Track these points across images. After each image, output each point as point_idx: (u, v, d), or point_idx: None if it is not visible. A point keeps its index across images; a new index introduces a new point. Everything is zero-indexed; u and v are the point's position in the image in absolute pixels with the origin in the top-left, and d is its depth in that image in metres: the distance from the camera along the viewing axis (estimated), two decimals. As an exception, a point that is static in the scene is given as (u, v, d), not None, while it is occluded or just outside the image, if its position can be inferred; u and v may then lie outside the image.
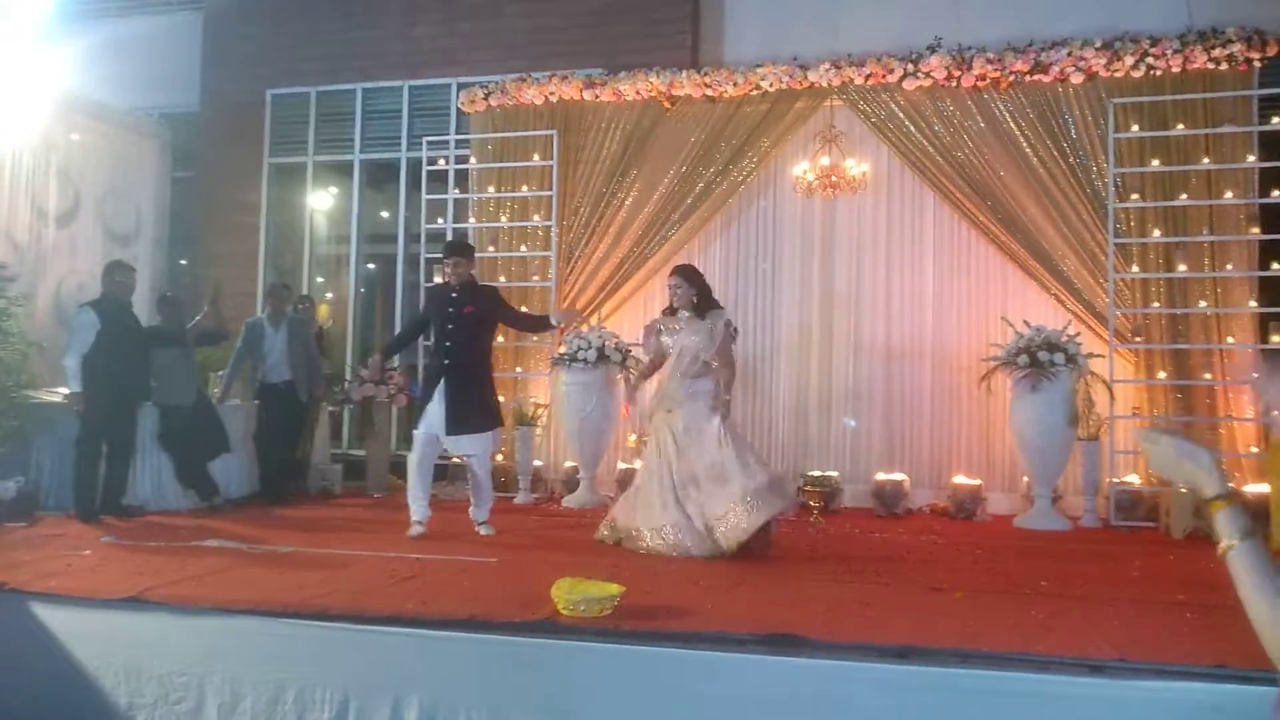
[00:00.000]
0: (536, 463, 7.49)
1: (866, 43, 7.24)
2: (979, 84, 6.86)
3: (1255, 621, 1.50)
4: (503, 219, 7.98)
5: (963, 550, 5.38)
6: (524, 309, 7.13)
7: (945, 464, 7.08)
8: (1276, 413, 1.70)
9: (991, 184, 6.93)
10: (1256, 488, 6.01)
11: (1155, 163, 6.58)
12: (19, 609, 3.84)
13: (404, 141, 8.88)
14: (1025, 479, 6.63)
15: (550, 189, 7.72)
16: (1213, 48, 6.42)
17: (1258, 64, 6.44)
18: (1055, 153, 6.79)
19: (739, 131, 7.42)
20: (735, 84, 7.33)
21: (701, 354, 5.23)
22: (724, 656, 3.22)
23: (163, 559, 4.68)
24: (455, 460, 6.56)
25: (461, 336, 5.56)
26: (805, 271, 7.52)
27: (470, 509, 5.73)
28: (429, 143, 8.24)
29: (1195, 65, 6.48)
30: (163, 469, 6.61)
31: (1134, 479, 6.54)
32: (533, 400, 7.60)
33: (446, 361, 5.55)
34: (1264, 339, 6.45)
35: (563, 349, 7.23)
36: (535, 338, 7.69)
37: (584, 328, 7.33)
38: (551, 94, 7.77)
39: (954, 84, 6.89)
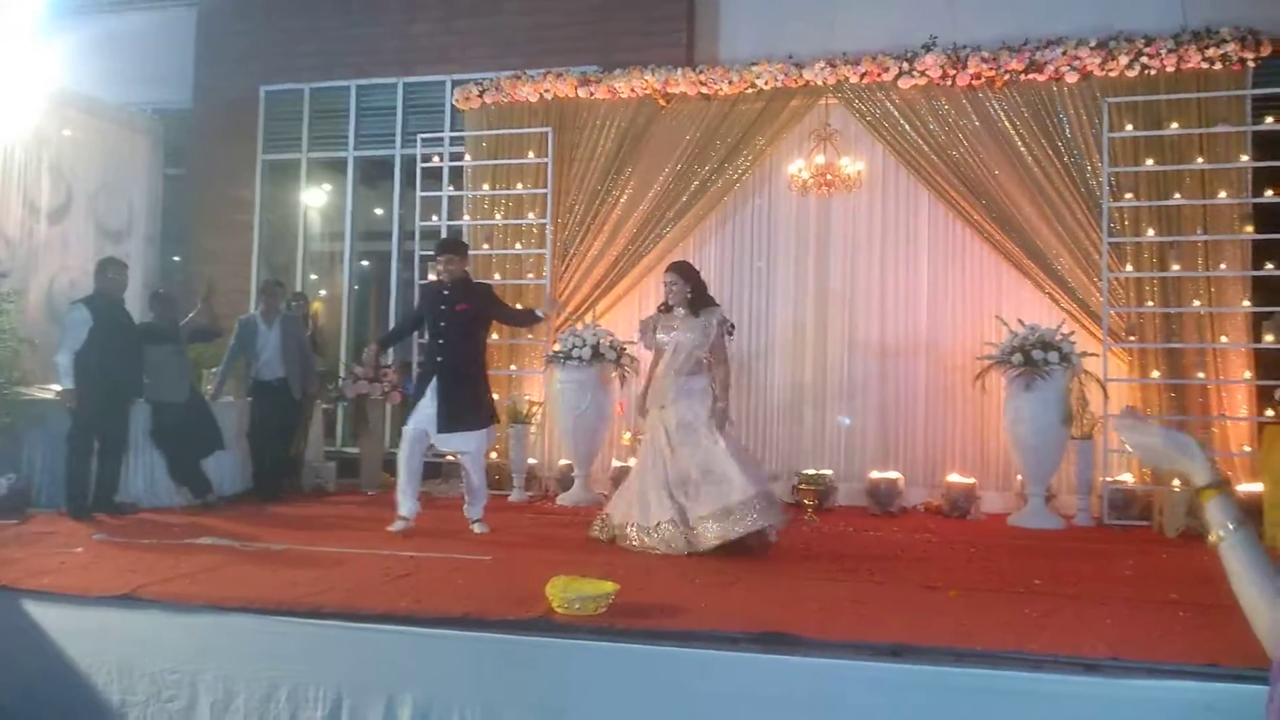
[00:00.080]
0: (531, 460, 7.49)
1: (862, 41, 7.24)
2: (974, 83, 6.87)
3: (1248, 611, 1.50)
4: (497, 216, 7.96)
5: (956, 549, 5.39)
6: (519, 306, 7.12)
7: (939, 462, 7.09)
8: None
9: (986, 183, 6.94)
10: (1250, 487, 6.03)
11: (1149, 162, 6.59)
12: (11, 606, 3.82)
13: (398, 138, 8.86)
14: (1019, 477, 6.64)
15: (545, 186, 7.71)
16: (1207, 47, 6.43)
17: (1252, 64, 6.45)
18: (1050, 152, 6.80)
19: (734, 129, 7.42)
20: (730, 82, 7.33)
21: (696, 351, 5.23)
22: (718, 655, 3.23)
23: (155, 556, 4.66)
24: (450, 458, 6.55)
25: (454, 334, 5.56)
26: (800, 270, 7.52)
27: (464, 507, 5.72)
28: (423, 140, 8.22)
29: (1189, 65, 6.49)
30: (155, 466, 6.59)
31: (1127, 478, 6.56)
32: (527, 398, 7.59)
33: (439, 359, 5.55)
34: (1257, 338, 6.48)
35: (557, 346, 7.22)
36: (529, 335, 7.69)
37: (578, 325, 7.32)
38: (546, 91, 7.76)
39: (949, 83, 6.90)
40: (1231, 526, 1.54)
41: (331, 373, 8.32)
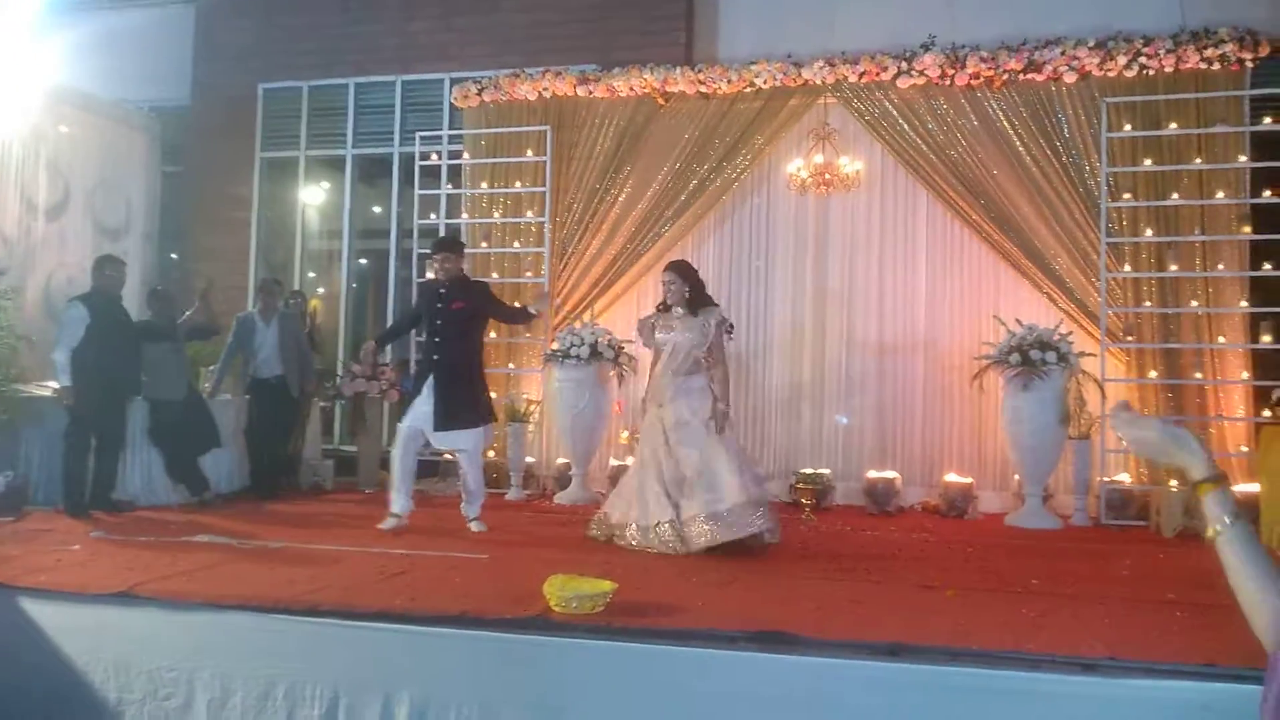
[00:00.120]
0: (529, 459, 7.48)
1: (860, 40, 7.24)
2: (972, 82, 6.87)
3: (1245, 606, 1.50)
4: (496, 215, 7.96)
5: (954, 548, 5.39)
6: (517, 304, 7.12)
7: (937, 462, 7.09)
8: None
9: (984, 183, 6.94)
10: (1247, 487, 6.04)
11: (1148, 162, 6.60)
12: (8, 604, 3.82)
13: (397, 136, 8.85)
14: (1016, 477, 6.64)
15: (544, 185, 7.70)
16: (1205, 48, 6.44)
17: (1250, 64, 6.46)
18: (1048, 151, 6.81)
19: (733, 128, 7.42)
20: (729, 81, 7.32)
21: (695, 351, 5.22)
22: (715, 654, 3.23)
23: (153, 554, 4.66)
24: (447, 456, 6.55)
25: (450, 332, 5.56)
26: (798, 269, 7.52)
27: (461, 505, 5.72)
28: (422, 138, 8.21)
29: (1188, 65, 6.49)
30: (153, 464, 6.59)
31: (1125, 478, 6.57)
32: (525, 396, 7.59)
33: (436, 357, 5.56)
34: (1255, 339, 6.48)
35: (555, 345, 7.22)
36: (528, 334, 7.70)
37: (576, 324, 7.32)
38: (545, 90, 7.75)
39: (948, 82, 6.90)
40: (1229, 520, 1.54)
41: (329, 371, 8.31)
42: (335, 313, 9.20)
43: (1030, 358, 6.17)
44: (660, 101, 7.55)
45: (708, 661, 3.21)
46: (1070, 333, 6.43)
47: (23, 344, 6.76)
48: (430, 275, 6.10)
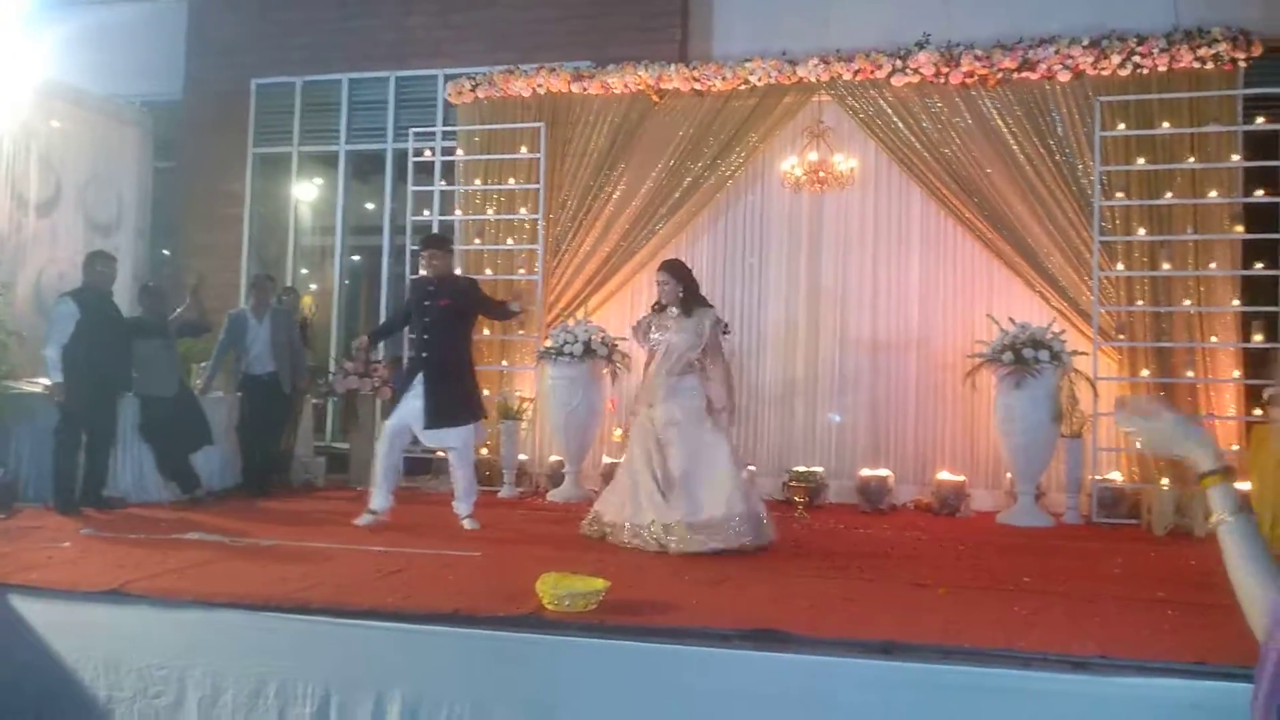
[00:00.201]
0: (522, 456, 7.47)
1: (855, 38, 7.23)
2: (967, 81, 6.87)
3: (1242, 597, 1.51)
4: (489, 212, 7.94)
5: (946, 546, 5.40)
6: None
7: (929, 460, 7.10)
8: None
9: (978, 181, 6.94)
10: (1238, 486, 6.05)
11: (1141, 161, 6.61)
12: (-3, 601, 3.80)
13: (390, 133, 8.83)
14: (1009, 475, 6.66)
15: (537, 182, 7.69)
16: (1199, 47, 6.45)
17: (1243, 64, 6.47)
18: (1042, 150, 6.81)
19: (727, 126, 7.41)
20: (724, 78, 7.32)
21: (688, 353, 5.21)
22: (708, 652, 3.23)
23: (144, 551, 4.64)
24: (440, 454, 6.54)
25: (439, 329, 5.55)
26: (792, 266, 7.53)
27: (454, 503, 5.70)
28: (415, 134, 8.18)
29: (1181, 64, 6.51)
30: (144, 460, 6.56)
31: (1116, 476, 6.59)
32: (518, 394, 7.58)
33: (425, 354, 5.54)
34: (1246, 338, 6.50)
35: (549, 343, 7.21)
36: (521, 330, 7.69)
37: (569, 322, 7.31)
38: (539, 86, 7.73)
39: (942, 80, 6.90)
40: (1233, 513, 1.54)
41: (321, 368, 8.29)
42: (328, 309, 9.17)
43: (1023, 356, 6.18)
44: (655, 98, 7.53)
45: (701, 660, 3.21)
46: (1063, 331, 6.45)
47: (13, 340, 6.73)
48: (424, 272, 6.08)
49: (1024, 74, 6.76)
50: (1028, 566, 4.72)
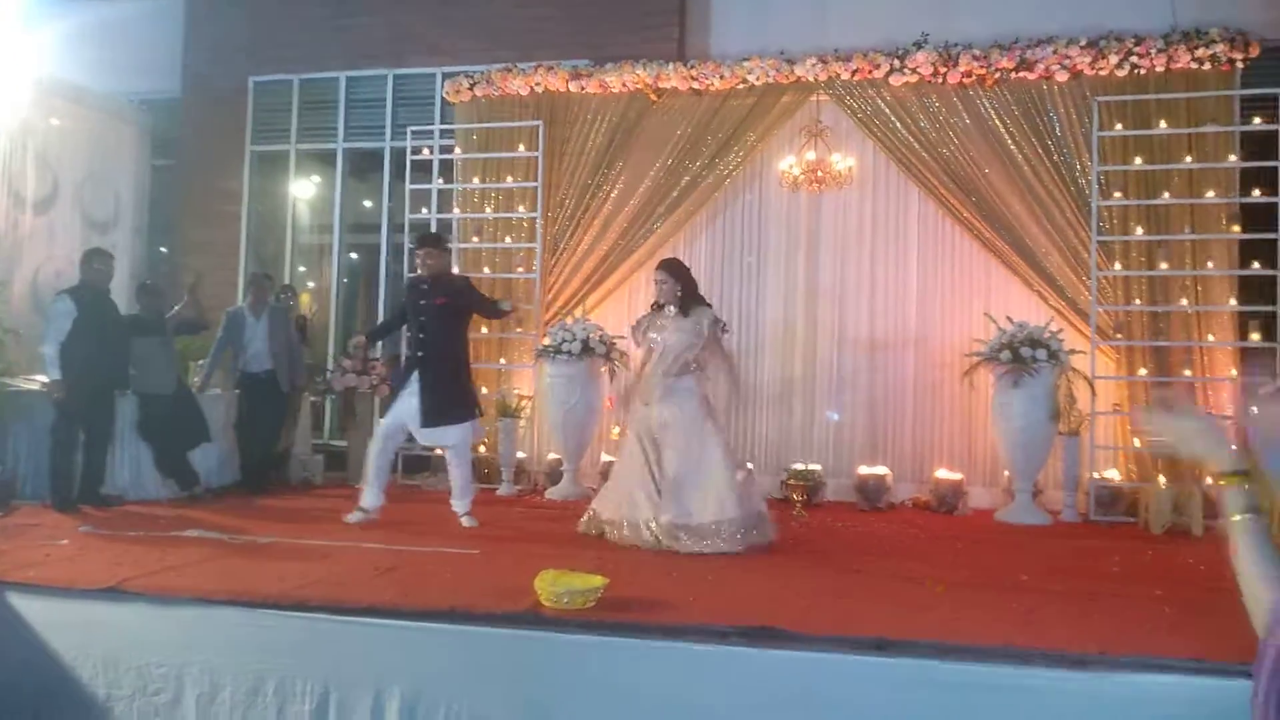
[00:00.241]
0: (520, 454, 7.47)
1: (853, 38, 7.24)
2: (965, 80, 6.88)
3: (1248, 597, 1.53)
4: (487, 210, 7.94)
5: (944, 544, 5.41)
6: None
7: (927, 458, 7.11)
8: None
9: (976, 180, 6.95)
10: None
11: (1138, 161, 6.62)
12: (-5, 599, 3.80)
13: (388, 131, 8.83)
14: (1006, 474, 6.67)
15: (535, 180, 7.69)
16: (1196, 48, 6.47)
17: (1240, 64, 6.49)
18: (1040, 150, 6.82)
19: (725, 125, 7.41)
20: (722, 77, 7.32)
21: (685, 353, 5.20)
22: (706, 649, 3.23)
23: (142, 549, 4.64)
24: (438, 451, 6.54)
25: (434, 328, 5.55)
26: (790, 266, 7.53)
27: (452, 501, 5.71)
28: (413, 132, 8.18)
29: (1179, 65, 6.52)
30: (142, 458, 6.56)
31: (1114, 474, 6.61)
32: (516, 392, 7.57)
33: (421, 354, 5.54)
34: (1243, 337, 6.52)
35: (547, 341, 7.21)
36: (519, 329, 7.69)
37: (568, 320, 7.31)
38: (537, 85, 7.73)
39: (940, 80, 6.91)
40: (1247, 514, 1.56)
41: (319, 365, 8.29)
42: (326, 307, 9.17)
43: (1021, 355, 6.19)
44: (653, 97, 7.54)
45: (698, 657, 3.21)
46: (1060, 330, 6.46)
47: (10, 338, 6.72)
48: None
49: (1022, 74, 6.77)
50: (1025, 564, 4.73)
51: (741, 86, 7.33)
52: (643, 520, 5.02)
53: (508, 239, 7.86)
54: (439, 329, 5.57)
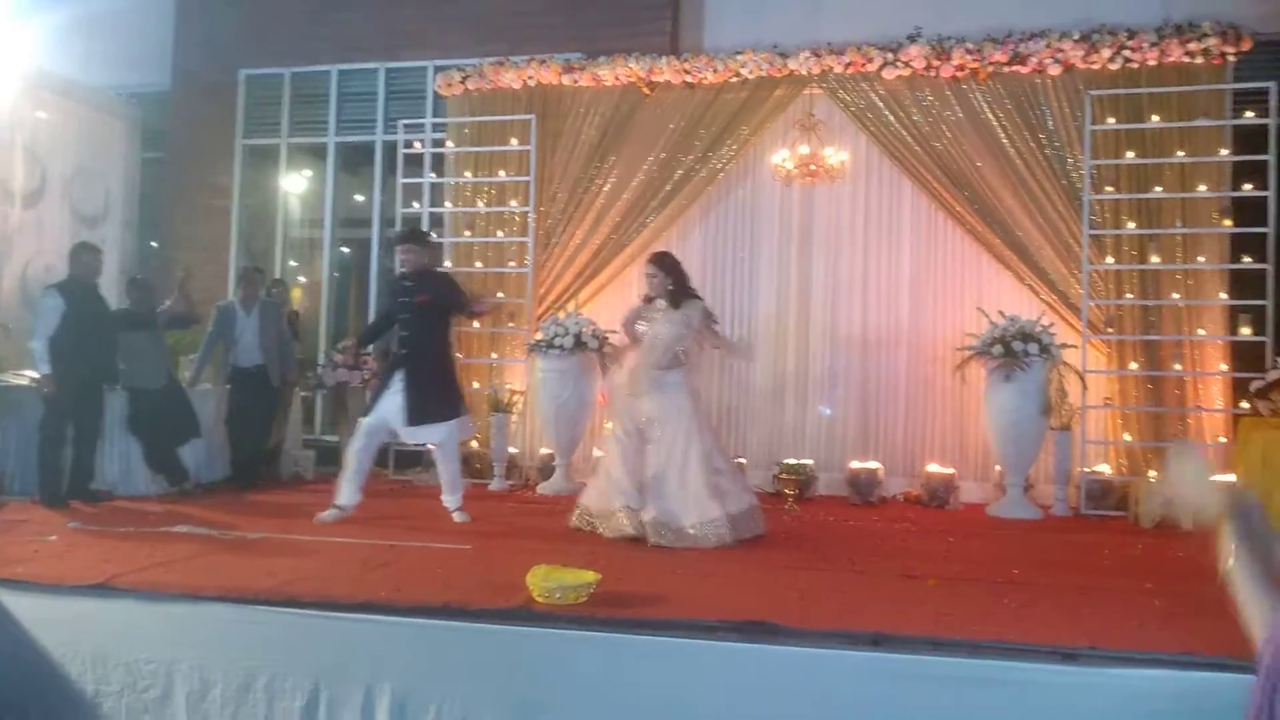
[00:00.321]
0: (512, 449, 7.46)
1: (846, 31, 7.23)
2: (958, 74, 6.87)
3: (1246, 618, 1.53)
4: (479, 204, 7.91)
5: (936, 538, 5.42)
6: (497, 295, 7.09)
7: (919, 452, 7.12)
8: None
9: (969, 174, 6.95)
10: (1224, 478, 6.08)
11: (1130, 155, 6.63)
12: (-17, 595, 3.77)
13: (380, 124, 8.79)
14: (998, 468, 6.68)
15: (528, 174, 7.66)
16: (1188, 41, 6.47)
17: (1232, 58, 6.49)
18: (1032, 144, 6.83)
19: (718, 119, 7.40)
20: (715, 71, 7.30)
21: (675, 346, 5.20)
22: (698, 644, 3.23)
23: (131, 545, 4.62)
24: (431, 446, 6.51)
25: (417, 326, 5.49)
26: (783, 260, 7.52)
27: (442, 496, 5.69)
28: (405, 126, 8.15)
29: (1171, 59, 6.53)
30: (131, 453, 6.52)
31: (1105, 469, 6.62)
32: (509, 387, 7.55)
33: (404, 351, 5.48)
34: (1234, 331, 6.54)
35: (539, 335, 7.19)
36: (511, 324, 7.68)
37: (560, 314, 7.29)
38: (530, 78, 7.70)
39: (933, 74, 6.90)
40: (1236, 545, 1.57)
41: (310, 360, 8.26)
42: (317, 302, 9.13)
43: (1012, 349, 6.19)
44: (645, 91, 7.51)
45: (691, 652, 3.21)
46: (1052, 324, 6.46)
47: (-1, 332, 6.68)
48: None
49: (1014, 68, 6.77)
50: (1017, 558, 4.74)
51: (734, 80, 7.31)
52: (629, 509, 5.01)
53: (500, 233, 7.84)
54: (422, 327, 5.51)
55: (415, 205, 8.04)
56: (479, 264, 7.80)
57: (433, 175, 8.02)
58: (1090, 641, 3.12)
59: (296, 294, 8.99)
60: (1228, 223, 6.52)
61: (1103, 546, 5.18)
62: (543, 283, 7.71)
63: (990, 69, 6.81)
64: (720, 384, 7.53)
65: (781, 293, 7.50)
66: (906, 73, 6.93)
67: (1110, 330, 6.68)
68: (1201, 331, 6.54)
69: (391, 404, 5.42)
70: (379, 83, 8.80)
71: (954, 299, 7.16)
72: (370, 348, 7.63)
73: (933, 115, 7.01)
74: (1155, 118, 6.59)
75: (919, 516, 6.27)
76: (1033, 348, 6.18)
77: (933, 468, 6.85)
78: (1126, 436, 6.61)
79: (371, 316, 8.03)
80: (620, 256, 7.61)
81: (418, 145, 8.06)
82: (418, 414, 5.39)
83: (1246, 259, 6.47)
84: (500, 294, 7.75)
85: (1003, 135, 6.87)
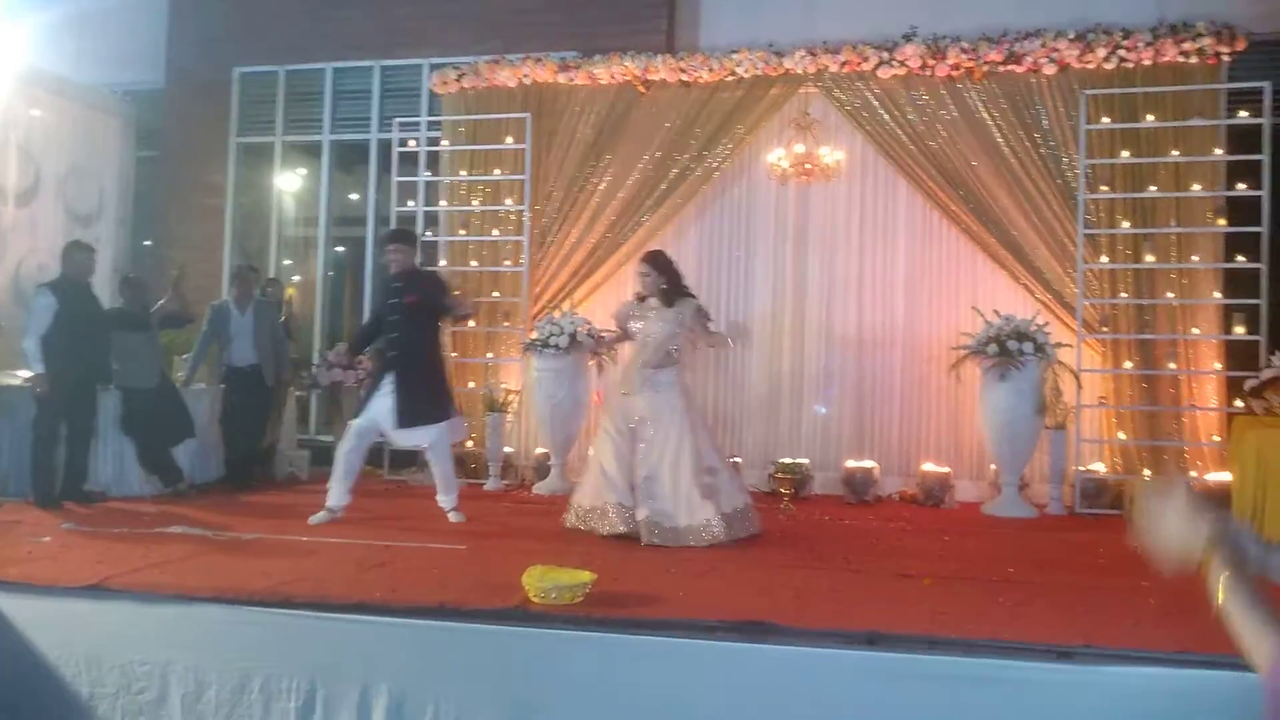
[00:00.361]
0: (507, 449, 7.45)
1: (842, 30, 7.23)
2: (953, 73, 6.88)
3: (1246, 650, 1.52)
4: (475, 203, 7.89)
5: (931, 537, 5.43)
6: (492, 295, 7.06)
7: (914, 452, 7.13)
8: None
9: (964, 173, 6.96)
10: (1219, 476, 6.12)
11: (1125, 154, 6.64)
12: (-24, 597, 3.76)
13: (374, 122, 8.77)
14: (993, 467, 6.69)
15: (523, 173, 7.65)
16: (1183, 41, 6.48)
17: (1226, 58, 6.50)
18: (1027, 143, 6.83)
19: (714, 117, 7.39)
20: (710, 69, 7.30)
21: (668, 344, 5.20)
22: (695, 644, 3.23)
23: (125, 546, 4.61)
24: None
25: (406, 327, 5.44)
26: (778, 258, 7.52)
27: (438, 496, 5.68)
28: (400, 124, 8.13)
29: (1166, 58, 6.54)
30: (125, 454, 6.50)
31: (1099, 467, 6.64)
32: (504, 386, 7.54)
33: (393, 353, 5.44)
34: (1228, 330, 6.55)
35: (534, 334, 7.18)
36: (506, 323, 7.67)
37: (555, 313, 7.28)
38: (525, 76, 7.69)
39: (928, 73, 6.90)
40: (1226, 572, 1.55)
41: (305, 360, 8.24)
42: (311, 301, 9.11)
43: (1007, 348, 6.20)
44: (641, 89, 7.51)
45: (687, 652, 3.21)
46: (1047, 323, 6.47)
47: (-8, 332, 6.65)
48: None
49: (1010, 67, 6.78)
50: (1012, 557, 4.75)
51: (730, 79, 7.31)
52: (621, 506, 5.01)
53: (495, 232, 7.82)
54: (411, 328, 5.45)
55: (410, 204, 8.02)
56: (474, 263, 7.79)
57: (428, 174, 8.01)
58: (1085, 640, 3.13)
59: (291, 293, 8.97)
60: (1222, 222, 6.54)
61: (1097, 545, 5.18)
62: (538, 282, 7.70)
63: (985, 68, 6.82)
64: (716, 383, 7.53)
65: (777, 292, 7.50)
66: (902, 72, 6.93)
67: (1105, 329, 6.69)
68: (1196, 330, 6.56)
69: (381, 405, 5.38)
70: (374, 80, 8.79)
71: (949, 298, 7.16)
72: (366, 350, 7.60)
73: (928, 114, 7.01)
74: (1150, 117, 6.60)
75: (914, 515, 6.27)
76: (1028, 347, 6.19)
77: (928, 467, 6.86)
78: (1121, 435, 6.63)
79: (366, 316, 8.01)
80: (616, 255, 7.60)
81: (413, 143, 8.05)
82: (407, 416, 5.35)
83: (1240, 258, 6.48)
84: (496, 293, 7.75)
85: (998, 134, 6.88)
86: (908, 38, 6.92)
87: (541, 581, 3.53)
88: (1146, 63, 6.58)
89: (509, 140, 7.75)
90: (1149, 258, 6.62)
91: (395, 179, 8.15)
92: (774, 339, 7.49)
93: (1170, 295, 6.58)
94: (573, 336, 6.98)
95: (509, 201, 7.76)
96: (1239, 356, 6.46)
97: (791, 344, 7.46)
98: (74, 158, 8.30)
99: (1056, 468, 6.45)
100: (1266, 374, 5.84)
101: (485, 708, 3.26)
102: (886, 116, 7.09)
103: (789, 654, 3.15)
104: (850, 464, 6.93)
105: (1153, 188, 6.60)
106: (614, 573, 4.00)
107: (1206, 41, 6.44)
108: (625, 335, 5.51)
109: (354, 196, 9.40)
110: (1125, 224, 6.66)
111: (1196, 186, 6.54)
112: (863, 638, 3.17)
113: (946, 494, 6.69)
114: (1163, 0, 6.80)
